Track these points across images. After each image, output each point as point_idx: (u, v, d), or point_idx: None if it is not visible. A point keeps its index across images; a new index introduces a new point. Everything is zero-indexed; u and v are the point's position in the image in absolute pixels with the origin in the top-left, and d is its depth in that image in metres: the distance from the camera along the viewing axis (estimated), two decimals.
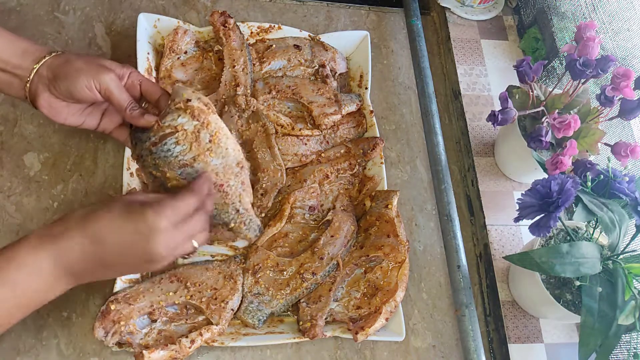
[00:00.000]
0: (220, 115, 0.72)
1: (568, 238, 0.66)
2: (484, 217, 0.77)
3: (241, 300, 0.64)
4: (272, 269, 0.66)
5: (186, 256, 0.58)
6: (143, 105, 0.62)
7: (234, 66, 0.75)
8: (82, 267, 0.49)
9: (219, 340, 0.61)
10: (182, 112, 0.56)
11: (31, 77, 0.58)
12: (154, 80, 0.64)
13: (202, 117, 0.57)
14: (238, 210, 0.60)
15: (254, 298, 0.64)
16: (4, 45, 0.58)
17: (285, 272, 0.66)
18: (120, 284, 0.61)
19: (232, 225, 0.60)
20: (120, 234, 0.49)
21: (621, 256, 0.61)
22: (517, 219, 0.62)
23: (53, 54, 0.59)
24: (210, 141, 0.57)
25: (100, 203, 0.52)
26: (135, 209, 0.50)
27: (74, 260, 0.49)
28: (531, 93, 0.71)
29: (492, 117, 0.69)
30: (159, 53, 0.77)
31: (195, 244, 0.54)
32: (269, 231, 0.69)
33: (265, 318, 0.64)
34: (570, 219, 0.75)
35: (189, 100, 0.57)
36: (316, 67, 0.81)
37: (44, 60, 0.59)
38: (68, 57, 0.59)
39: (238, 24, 0.78)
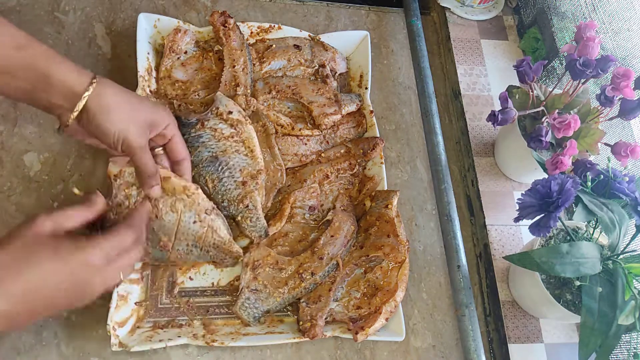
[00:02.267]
0: None
1: (568, 238, 0.66)
2: (484, 217, 0.77)
3: (238, 296, 0.64)
4: (271, 267, 0.66)
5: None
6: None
7: (234, 66, 0.75)
8: (10, 319, 0.46)
9: (219, 340, 0.61)
10: (222, 121, 0.69)
11: (70, 121, 0.55)
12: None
13: (239, 128, 0.69)
14: (247, 206, 0.66)
15: (251, 294, 0.64)
16: (27, 66, 0.53)
17: (284, 271, 0.66)
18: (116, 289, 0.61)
19: (239, 218, 0.67)
20: (55, 280, 0.48)
21: (621, 256, 0.61)
22: (517, 219, 0.62)
23: (91, 89, 0.54)
24: (242, 144, 0.69)
25: (16, 243, 0.49)
26: (67, 249, 0.49)
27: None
28: (531, 93, 0.71)
29: (492, 117, 0.69)
30: (159, 53, 0.77)
31: (122, 276, 0.54)
32: (269, 230, 0.69)
33: (260, 316, 0.64)
34: (570, 219, 0.75)
35: (230, 112, 0.69)
36: (316, 67, 0.81)
37: (83, 102, 0.54)
38: (107, 105, 0.55)
39: (238, 24, 0.78)
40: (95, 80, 0.55)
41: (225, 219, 0.66)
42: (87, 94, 0.54)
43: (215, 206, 0.64)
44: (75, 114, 0.55)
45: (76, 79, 0.55)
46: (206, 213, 0.62)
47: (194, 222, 0.62)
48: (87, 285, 0.50)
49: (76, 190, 0.61)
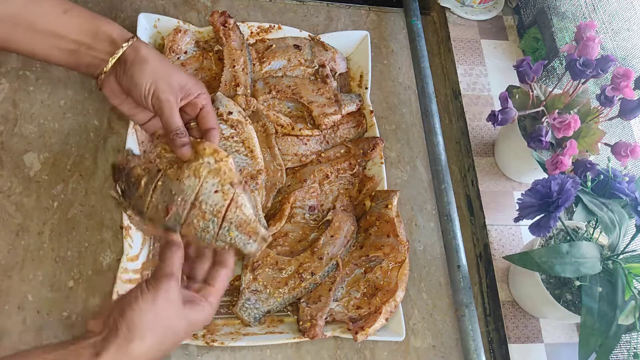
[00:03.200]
0: None
1: (568, 238, 0.66)
2: (484, 217, 0.77)
3: (238, 297, 0.64)
4: (271, 267, 0.66)
5: None
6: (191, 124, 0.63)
7: (234, 66, 0.75)
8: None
9: (219, 340, 0.61)
10: (222, 121, 0.67)
11: (108, 67, 0.59)
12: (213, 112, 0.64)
13: (239, 128, 0.68)
14: (255, 207, 0.62)
15: (251, 295, 0.64)
16: (76, 25, 0.58)
17: (284, 271, 0.66)
18: (120, 284, 0.61)
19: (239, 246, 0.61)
20: (185, 329, 0.51)
21: (621, 256, 0.61)
22: (517, 219, 0.62)
23: (130, 42, 0.59)
24: (242, 145, 0.67)
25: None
26: (194, 319, 0.52)
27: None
28: (531, 93, 0.71)
29: (492, 117, 0.69)
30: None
31: None
32: (269, 229, 0.69)
33: (261, 316, 0.64)
34: (570, 219, 0.75)
35: (230, 112, 0.68)
36: (316, 67, 0.81)
37: (122, 50, 0.58)
38: (144, 56, 0.58)
39: (238, 24, 0.78)
40: (136, 37, 0.60)
41: (254, 198, 0.60)
42: (126, 44, 0.59)
43: (246, 181, 0.59)
44: (114, 60, 0.58)
45: (119, 33, 0.59)
46: (231, 185, 0.56)
47: (216, 191, 0.56)
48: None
49: (113, 193, 0.61)
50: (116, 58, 0.58)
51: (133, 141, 0.67)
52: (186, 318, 0.50)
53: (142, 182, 0.58)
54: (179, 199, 0.56)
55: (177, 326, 0.50)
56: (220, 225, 0.56)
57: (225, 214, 0.56)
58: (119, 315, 0.48)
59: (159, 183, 0.58)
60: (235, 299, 0.65)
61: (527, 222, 0.61)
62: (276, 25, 0.82)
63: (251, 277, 0.65)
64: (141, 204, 0.58)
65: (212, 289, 0.54)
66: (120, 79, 0.59)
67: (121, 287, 0.61)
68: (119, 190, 0.61)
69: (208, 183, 0.56)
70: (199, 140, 0.58)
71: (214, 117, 0.62)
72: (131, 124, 0.67)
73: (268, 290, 0.65)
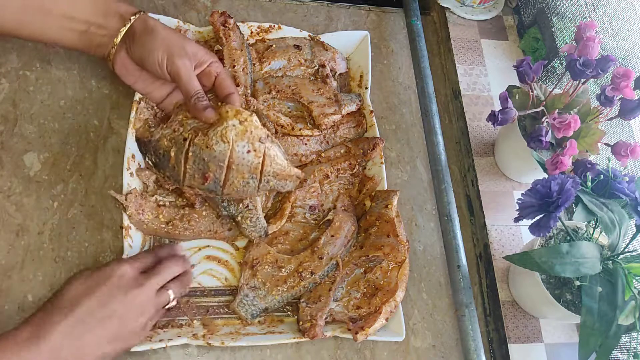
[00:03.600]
0: None
1: (568, 238, 0.66)
2: (484, 217, 0.77)
3: (237, 293, 0.65)
4: (270, 265, 0.66)
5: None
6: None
7: (234, 66, 0.75)
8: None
9: (219, 340, 0.61)
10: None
11: (118, 40, 0.59)
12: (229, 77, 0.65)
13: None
14: (247, 206, 0.64)
15: (250, 291, 0.64)
16: (86, 5, 0.59)
17: (283, 269, 0.66)
18: None
19: (239, 218, 0.65)
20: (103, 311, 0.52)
21: (621, 256, 0.61)
22: (517, 219, 0.62)
23: (138, 15, 0.59)
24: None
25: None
26: (95, 277, 0.54)
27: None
28: (531, 93, 0.71)
29: (492, 117, 0.69)
30: None
31: (172, 294, 0.58)
32: (269, 228, 0.69)
33: (258, 313, 0.64)
34: (570, 219, 0.75)
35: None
36: (316, 67, 0.81)
37: (130, 23, 0.59)
38: (153, 26, 0.59)
39: (238, 24, 0.78)
40: (143, 12, 0.61)
41: (280, 145, 0.62)
42: (133, 17, 0.59)
43: (269, 133, 0.60)
44: (122, 33, 0.59)
45: (127, 9, 0.60)
46: (260, 141, 0.58)
47: (248, 151, 0.57)
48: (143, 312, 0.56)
49: (113, 193, 0.62)
50: (124, 31, 0.58)
51: (133, 141, 0.67)
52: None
53: (172, 153, 0.59)
54: (214, 166, 0.57)
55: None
56: (260, 179, 0.59)
57: (262, 169, 0.59)
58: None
59: (190, 153, 0.58)
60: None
61: (527, 222, 0.61)
62: (276, 25, 0.82)
63: (250, 274, 0.65)
64: (176, 174, 0.60)
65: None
66: (131, 52, 0.59)
67: None
68: (150, 163, 0.64)
69: (239, 145, 0.57)
70: (219, 104, 0.58)
71: (231, 82, 0.62)
72: (131, 124, 0.67)
73: (266, 287, 0.65)
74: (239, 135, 0.57)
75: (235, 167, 0.58)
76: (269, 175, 0.60)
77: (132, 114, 0.67)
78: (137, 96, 0.68)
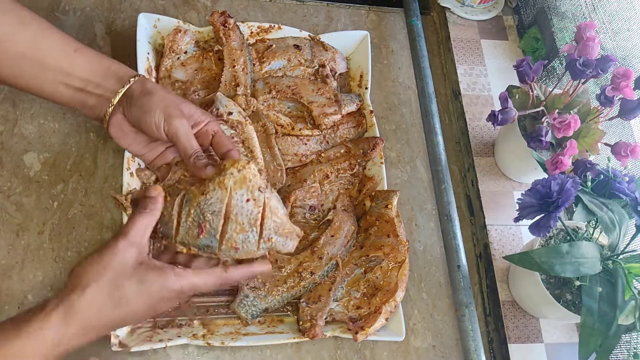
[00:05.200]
0: None
1: (568, 238, 0.66)
2: (484, 217, 0.77)
3: (237, 293, 0.64)
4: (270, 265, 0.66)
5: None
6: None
7: (234, 66, 0.75)
8: (95, 320, 0.49)
9: (219, 340, 0.61)
10: (223, 122, 0.66)
11: (115, 101, 0.58)
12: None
13: (239, 128, 0.67)
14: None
15: (250, 292, 0.64)
16: (86, 63, 0.58)
17: (283, 269, 0.66)
18: None
19: None
20: (136, 310, 0.50)
21: (621, 256, 0.61)
22: (517, 219, 0.62)
23: (137, 78, 0.59)
24: (242, 145, 0.66)
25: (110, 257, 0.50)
26: (152, 283, 0.51)
27: (86, 315, 0.48)
28: (531, 93, 0.71)
29: (492, 117, 0.69)
30: (159, 53, 0.77)
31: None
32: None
33: (258, 313, 0.64)
34: (570, 219, 0.75)
35: (230, 113, 0.67)
36: (316, 67, 0.81)
37: (128, 85, 0.58)
38: (151, 89, 0.58)
39: (238, 24, 0.78)
40: (140, 75, 0.60)
41: (279, 198, 0.58)
42: (132, 79, 0.59)
43: (268, 184, 0.56)
44: (120, 94, 0.58)
45: (125, 71, 0.60)
46: (260, 190, 0.54)
47: (247, 200, 0.54)
48: (161, 309, 0.53)
49: (113, 193, 0.61)
50: (122, 92, 0.58)
51: None
52: (138, 279, 0.49)
53: (164, 206, 0.57)
54: (210, 215, 0.54)
55: (125, 286, 0.49)
56: (260, 233, 0.55)
57: (262, 222, 0.55)
58: (69, 272, 0.49)
59: (185, 202, 0.56)
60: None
61: (527, 222, 0.61)
62: (276, 25, 0.82)
63: None
64: (169, 227, 0.56)
65: (188, 269, 0.53)
66: (128, 113, 0.58)
67: None
68: None
69: (237, 193, 0.54)
70: (219, 162, 0.57)
71: (228, 140, 0.61)
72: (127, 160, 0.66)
73: (266, 287, 0.65)
74: (238, 183, 0.54)
75: (234, 218, 0.54)
76: (270, 230, 0.55)
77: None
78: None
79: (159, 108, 0.57)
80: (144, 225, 0.53)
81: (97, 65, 0.59)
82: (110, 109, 0.59)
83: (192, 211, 0.55)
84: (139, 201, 0.56)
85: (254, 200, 0.54)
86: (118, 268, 0.49)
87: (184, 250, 0.57)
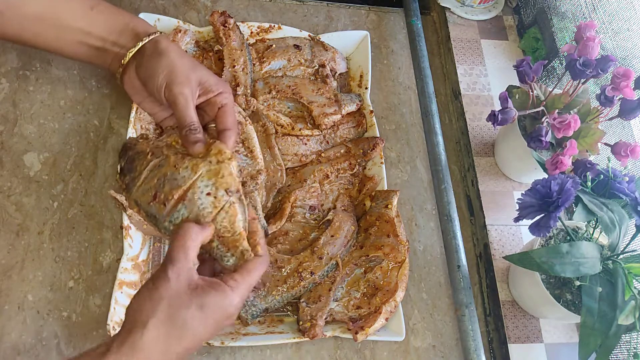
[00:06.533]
0: None
1: (568, 238, 0.66)
2: (484, 217, 0.77)
3: None
4: (270, 265, 0.66)
5: None
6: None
7: (234, 66, 0.75)
8: (163, 357, 0.46)
9: (219, 340, 0.61)
10: None
11: (127, 59, 0.59)
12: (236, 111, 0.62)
13: (239, 128, 0.65)
14: (255, 207, 0.61)
15: (250, 292, 0.64)
16: (103, 21, 0.58)
17: (283, 269, 0.66)
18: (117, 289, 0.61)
19: None
20: (203, 333, 0.47)
21: (621, 256, 0.61)
22: (517, 219, 0.62)
23: (153, 36, 0.59)
24: (242, 145, 0.66)
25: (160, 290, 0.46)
26: (211, 305, 0.47)
27: (153, 354, 0.45)
28: (531, 93, 0.71)
29: (492, 117, 0.69)
30: None
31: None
32: (269, 228, 0.68)
33: (258, 314, 0.64)
34: (570, 219, 0.75)
35: None
36: (316, 67, 0.81)
37: (141, 43, 0.58)
38: (164, 49, 0.58)
39: (238, 23, 0.78)
40: (160, 33, 0.60)
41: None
42: (147, 38, 0.59)
43: (241, 191, 0.54)
44: (132, 52, 0.58)
45: (144, 28, 0.60)
46: (226, 192, 0.52)
47: (207, 194, 0.52)
48: (228, 323, 0.51)
49: (113, 193, 0.61)
50: (135, 50, 0.58)
51: None
52: (198, 305, 0.46)
53: (143, 160, 0.57)
54: (168, 188, 0.53)
55: (185, 313, 0.46)
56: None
57: (212, 221, 0.53)
58: (127, 308, 0.46)
59: (157, 164, 0.56)
60: None
61: (527, 222, 0.61)
62: (276, 25, 0.82)
63: None
64: (132, 181, 0.57)
65: (237, 275, 0.50)
66: (138, 72, 0.59)
67: (119, 294, 0.61)
68: (118, 168, 0.61)
69: (202, 182, 0.52)
70: (212, 140, 0.56)
71: (232, 117, 0.59)
72: (131, 124, 0.67)
73: (266, 287, 0.65)
74: (209, 173, 0.52)
75: (186, 203, 0.52)
76: (214, 237, 0.53)
77: (132, 114, 0.67)
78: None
79: (164, 72, 0.56)
80: (188, 247, 0.49)
81: (115, 22, 0.59)
82: (121, 68, 0.59)
83: (156, 177, 0.55)
84: (183, 228, 0.51)
85: (214, 198, 0.52)
86: (174, 298, 0.46)
87: (135, 209, 0.56)
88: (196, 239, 0.50)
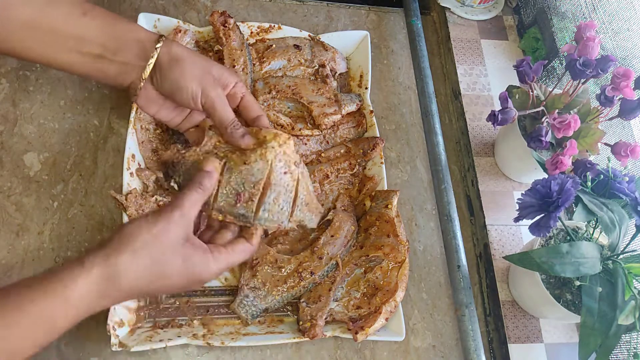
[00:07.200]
0: None
1: (568, 238, 0.66)
2: (484, 217, 0.77)
3: (237, 293, 0.64)
4: (270, 265, 0.66)
5: None
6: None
7: (234, 66, 0.75)
8: (136, 286, 0.48)
9: (219, 340, 0.61)
10: None
11: (146, 75, 0.56)
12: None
13: None
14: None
15: (250, 292, 0.64)
16: (99, 27, 0.55)
17: (283, 269, 0.66)
18: None
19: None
20: (175, 283, 0.50)
21: (621, 256, 0.61)
22: (517, 219, 0.62)
23: (161, 43, 0.56)
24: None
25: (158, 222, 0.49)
26: (194, 263, 0.50)
27: (129, 279, 0.47)
28: (531, 93, 0.71)
29: (492, 117, 0.69)
30: None
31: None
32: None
33: (258, 313, 0.64)
34: (570, 219, 0.75)
35: None
36: (316, 67, 0.81)
37: (156, 54, 0.56)
38: (179, 55, 0.56)
39: (238, 23, 0.78)
40: (163, 37, 0.57)
41: (309, 174, 0.61)
42: (158, 45, 0.56)
43: (301, 159, 0.59)
44: (150, 67, 0.56)
45: (146, 35, 0.57)
46: (295, 165, 0.56)
47: (285, 172, 0.56)
48: (195, 287, 0.54)
49: (113, 193, 0.61)
50: (152, 64, 0.56)
51: (133, 141, 0.67)
52: (184, 257, 0.49)
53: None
54: (249, 185, 0.55)
55: (171, 259, 0.48)
56: (293, 206, 0.57)
57: (296, 194, 0.57)
58: (116, 230, 0.48)
59: (224, 170, 0.56)
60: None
61: (527, 222, 0.61)
62: (276, 25, 0.82)
63: (250, 274, 0.65)
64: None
65: (223, 249, 0.53)
66: (159, 84, 0.57)
67: None
68: (176, 186, 0.61)
69: (277, 166, 0.56)
70: (253, 128, 0.57)
71: (257, 103, 0.60)
72: (131, 124, 0.67)
73: (266, 287, 0.65)
74: (278, 157, 0.56)
75: (273, 189, 0.56)
76: (302, 204, 0.58)
77: (132, 114, 0.67)
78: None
79: (194, 80, 0.56)
80: (197, 200, 0.52)
81: (112, 29, 0.56)
82: (141, 84, 0.57)
83: (232, 180, 0.56)
84: (195, 176, 0.54)
85: (291, 174, 0.56)
86: (169, 241, 0.48)
87: (220, 218, 0.57)
88: (201, 200, 0.52)
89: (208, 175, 0.54)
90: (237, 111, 0.61)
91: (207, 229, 0.58)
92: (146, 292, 0.49)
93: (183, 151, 0.60)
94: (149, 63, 0.56)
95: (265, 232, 0.67)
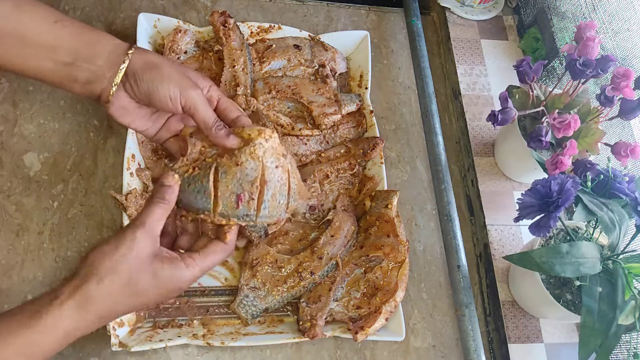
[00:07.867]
0: None
1: (568, 238, 0.66)
2: (484, 217, 0.77)
3: (237, 293, 0.64)
4: (270, 265, 0.66)
5: None
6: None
7: (234, 66, 0.75)
8: (109, 310, 0.49)
9: (219, 340, 0.61)
10: None
11: (118, 80, 0.55)
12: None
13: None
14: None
15: (250, 292, 0.64)
16: (71, 35, 0.54)
17: (283, 269, 0.66)
18: None
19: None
20: (150, 299, 0.50)
21: (621, 256, 0.61)
22: (517, 219, 0.62)
23: (133, 50, 0.55)
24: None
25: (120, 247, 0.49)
26: (166, 277, 0.50)
27: (102, 305, 0.48)
28: (531, 93, 0.71)
29: (492, 117, 0.69)
30: (159, 53, 0.77)
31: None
32: (269, 228, 0.68)
33: (258, 313, 0.64)
34: (570, 219, 0.75)
35: None
36: (316, 67, 0.81)
37: (128, 59, 0.55)
38: (154, 60, 0.56)
39: (238, 23, 0.78)
40: (134, 46, 0.56)
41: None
42: (130, 52, 0.55)
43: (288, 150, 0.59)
44: (122, 71, 0.55)
45: (117, 43, 0.56)
46: (283, 157, 0.57)
47: (276, 166, 0.56)
48: (173, 296, 0.53)
49: (113, 193, 0.61)
50: (125, 68, 0.55)
51: (133, 141, 0.67)
52: (153, 272, 0.49)
53: (199, 181, 0.56)
54: (247, 185, 0.55)
55: (142, 277, 0.49)
56: (288, 197, 0.58)
57: (289, 186, 0.58)
58: (82, 258, 0.48)
59: (219, 176, 0.56)
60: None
61: (527, 222, 0.61)
62: (276, 25, 0.82)
63: (250, 274, 0.65)
64: (206, 202, 0.56)
65: (196, 254, 0.53)
66: (133, 90, 0.56)
67: None
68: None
69: (268, 162, 0.56)
70: (235, 128, 0.57)
71: (234, 104, 0.60)
72: None
73: (266, 287, 0.65)
74: (268, 152, 0.56)
75: (270, 185, 0.56)
76: (295, 194, 0.59)
77: None
78: (129, 142, 0.67)
79: (173, 81, 0.55)
80: (160, 215, 0.52)
81: (84, 37, 0.55)
82: (113, 89, 0.55)
83: (229, 183, 0.55)
84: (154, 189, 0.54)
85: (282, 167, 0.57)
86: (135, 261, 0.49)
87: (224, 222, 0.56)
88: (165, 214, 0.52)
89: (169, 189, 0.53)
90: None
91: (183, 234, 0.58)
92: (124, 311, 0.50)
93: (171, 165, 0.60)
94: (120, 68, 0.55)
95: (265, 232, 0.67)
